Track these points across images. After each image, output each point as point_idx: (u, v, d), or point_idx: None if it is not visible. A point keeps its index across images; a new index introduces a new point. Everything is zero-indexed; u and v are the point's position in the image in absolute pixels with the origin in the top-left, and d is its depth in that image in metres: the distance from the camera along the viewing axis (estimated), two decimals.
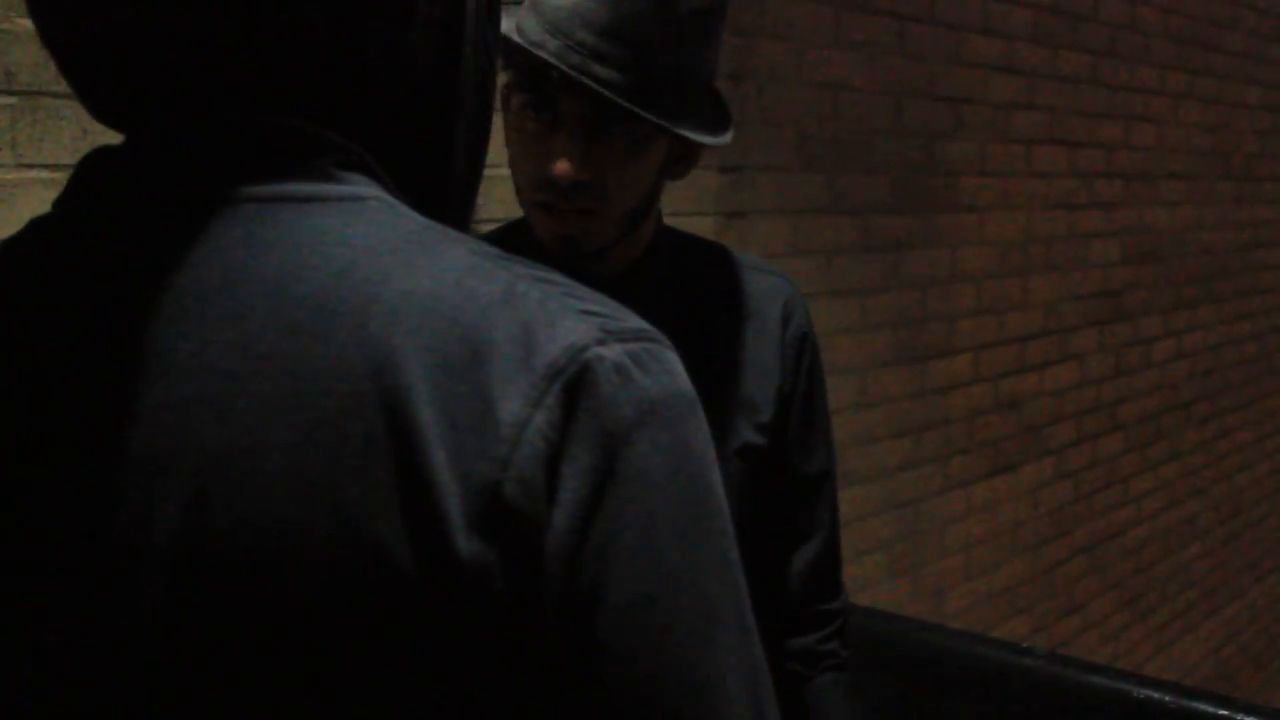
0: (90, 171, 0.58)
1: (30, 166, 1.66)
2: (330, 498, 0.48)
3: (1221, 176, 5.25)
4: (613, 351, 0.51)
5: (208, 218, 0.54)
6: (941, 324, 3.59)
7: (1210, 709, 1.85)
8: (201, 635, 0.49)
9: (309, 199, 0.55)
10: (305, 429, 0.49)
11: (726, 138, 1.26)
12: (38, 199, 1.67)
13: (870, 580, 3.34)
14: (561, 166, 1.18)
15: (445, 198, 0.65)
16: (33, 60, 1.65)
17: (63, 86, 1.69)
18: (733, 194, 2.85)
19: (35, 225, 0.59)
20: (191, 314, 0.52)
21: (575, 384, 0.49)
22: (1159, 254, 4.79)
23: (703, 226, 2.76)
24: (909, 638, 2.21)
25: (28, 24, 1.65)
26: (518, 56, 1.19)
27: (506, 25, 1.20)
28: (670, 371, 0.53)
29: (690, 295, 1.35)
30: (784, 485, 1.39)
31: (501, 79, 1.28)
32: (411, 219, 0.56)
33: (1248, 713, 1.83)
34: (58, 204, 0.59)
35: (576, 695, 0.48)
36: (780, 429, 1.36)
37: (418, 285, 0.51)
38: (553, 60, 1.14)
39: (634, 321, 0.54)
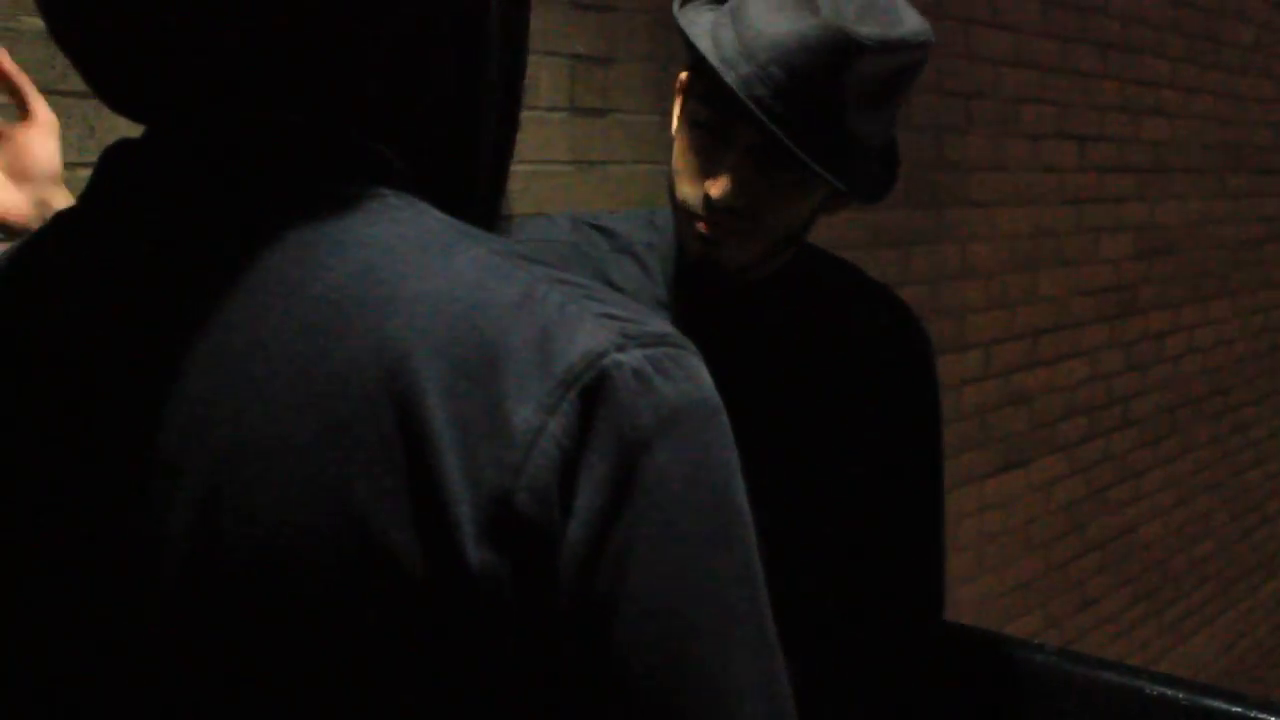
0: (112, 168, 0.58)
1: None
2: (341, 500, 0.47)
3: (1233, 170, 5.23)
4: (632, 357, 0.50)
5: (228, 216, 0.54)
6: (952, 319, 3.57)
7: (1224, 706, 1.84)
8: (211, 634, 0.49)
9: (329, 197, 0.54)
10: (318, 430, 0.48)
11: (887, 194, 1.25)
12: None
13: None
14: (720, 189, 1.17)
15: (471, 196, 0.64)
16: (38, 59, 1.65)
17: (68, 85, 1.69)
18: None
19: (60, 219, 0.59)
20: (210, 311, 0.52)
21: (593, 391, 0.48)
22: (1170, 248, 4.77)
23: None
24: None
25: (33, 23, 1.65)
26: (707, 68, 1.17)
27: (699, 29, 1.18)
28: (693, 377, 0.51)
29: (807, 320, 1.34)
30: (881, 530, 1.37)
31: (681, 74, 1.27)
32: (433, 217, 0.55)
33: (1262, 709, 1.81)
34: (82, 199, 0.58)
35: (592, 706, 0.48)
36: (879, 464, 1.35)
37: (435, 286, 0.50)
38: (740, 90, 1.12)
39: (656, 325, 0.52)
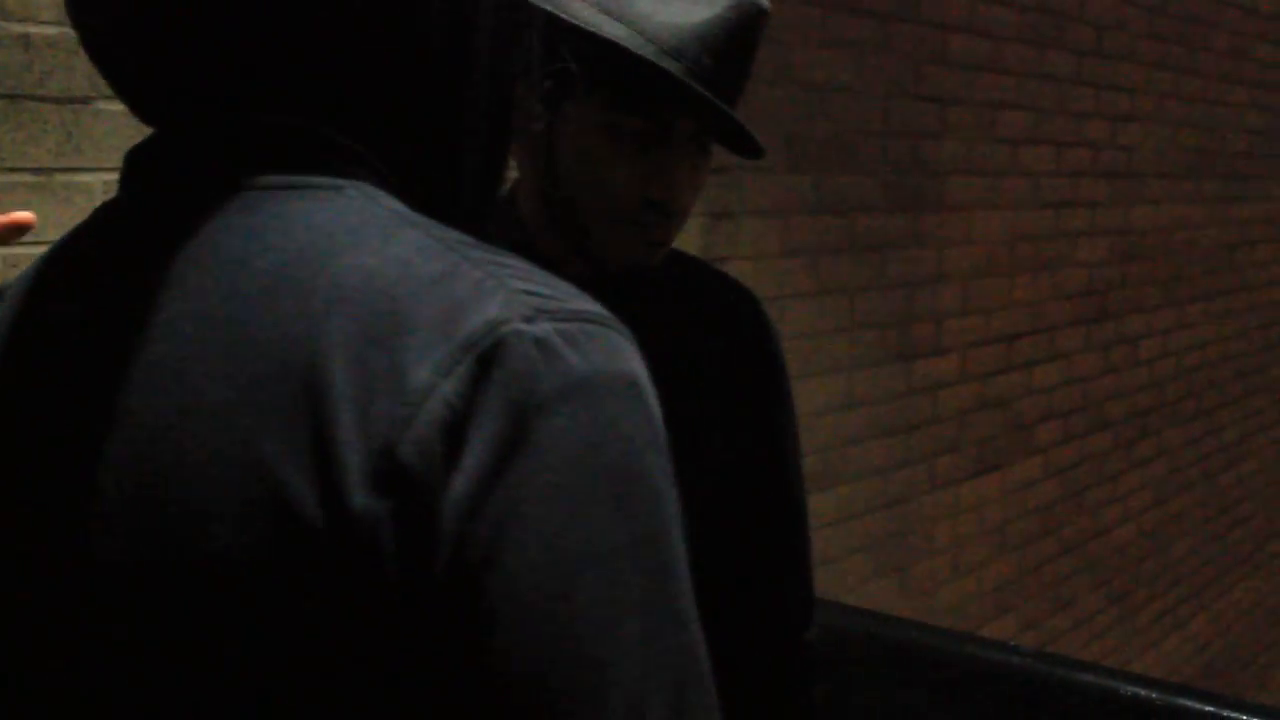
0: (131, 164, 0.63)
1: (14, 170, 1.66)
2: (251, 454, 0.51)
3: (1208, 175, 5.27)
4: (539, 328, 0.52)
5: (203, 205, 0.59)
6: (929, 323, 3.59)
7: (1197, 706, 1.86)
8: (140, 581, 0.53)
9: (291, 187, 0.58)
10: (239, 392, 0.52)
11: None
12: (21, 203, 1.66)
13: (858, 579, 3.34)
14: (675, 189, 1.16)
15: (457, 203, 0.67)
16: (16, 64, 1.65)
17: (46, 90, 1.68)
18: (720, 194, 2.85)
19: (98, 210, 0.65)
20: (172, 288, 0.56)
21: (489, 356, 0.50)
22: (1145, 253, 4.80)
23: (691, 227, 2.76)
24: (897, 636, 2.22)
25: (11, 28, 1.64)
26: (625, 73, 1.13)
27: (597, 31, 1.13)
28: (610, 352, 0.53)
29: (664, 312, 1.33)
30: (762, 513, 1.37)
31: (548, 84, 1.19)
32: (383, 207, 0.58)
33: (1235, 709, 1.83)
34: (118, 190, 0.65)
35: (465, 662, 0.49)
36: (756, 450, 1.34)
37: (362, 262, 0.54)
38: (692, 83, 1.10)
39: (581, 304, 0.54)
